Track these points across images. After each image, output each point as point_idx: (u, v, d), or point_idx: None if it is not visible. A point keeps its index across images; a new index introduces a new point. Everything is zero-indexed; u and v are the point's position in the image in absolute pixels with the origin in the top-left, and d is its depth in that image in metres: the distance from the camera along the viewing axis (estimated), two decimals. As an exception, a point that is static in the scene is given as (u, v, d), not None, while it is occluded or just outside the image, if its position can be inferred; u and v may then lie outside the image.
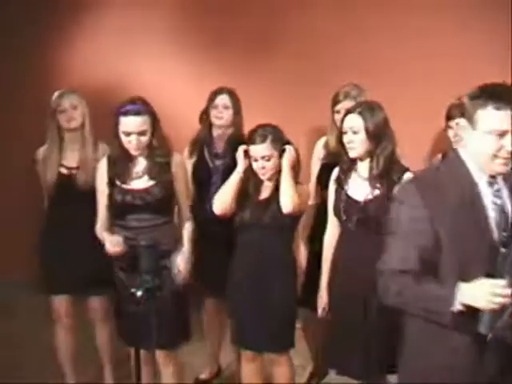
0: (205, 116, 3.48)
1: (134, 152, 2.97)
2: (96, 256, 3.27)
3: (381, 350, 2.71)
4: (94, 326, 3.50)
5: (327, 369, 3.30)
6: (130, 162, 3.00)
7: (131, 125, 2.91)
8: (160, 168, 3.00)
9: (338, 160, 3.30)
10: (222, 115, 3.42)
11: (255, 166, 2.95)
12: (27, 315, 4.36)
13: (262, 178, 2.97)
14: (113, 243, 2.93)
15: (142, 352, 2.87)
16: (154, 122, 2.98)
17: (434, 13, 4.23)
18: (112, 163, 3.02)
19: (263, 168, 2.93)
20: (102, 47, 4.88)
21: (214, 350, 3.71)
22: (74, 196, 3.27)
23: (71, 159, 3.32)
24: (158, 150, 3.00)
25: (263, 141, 2.91)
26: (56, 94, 3.37)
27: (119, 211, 3.01)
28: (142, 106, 2.96)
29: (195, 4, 4.73)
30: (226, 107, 3.42)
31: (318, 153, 3.46)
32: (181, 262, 3.02)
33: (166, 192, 3.00)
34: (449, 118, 3.12)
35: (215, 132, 3.49)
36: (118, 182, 2.99)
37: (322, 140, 3.48)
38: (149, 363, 3.12)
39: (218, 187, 3.25)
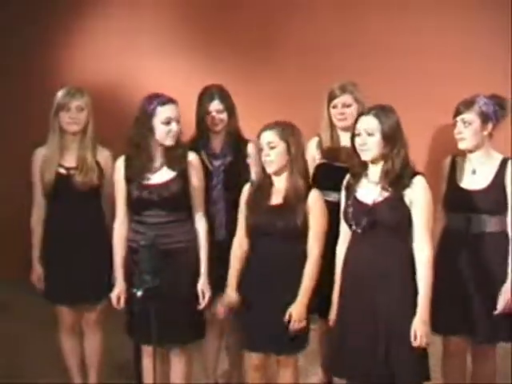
0: (201, 123, 3.38)
1: (169, 142, 2.98)
2: (96, 258, 3.28)
3: (391, 357, 2.68)
4: (84, 335, 3.45)
5: (336, 377, 3.24)
6: (148, 159, 3.01)
7: (172, 111, 2.97)
8: (178, 158, 3.02)
9: (333, 158, 3.31)
10: (218, 121, 3.34)
11: (262, 157, 2.91)
12: (27, 315, 4.34)
13: (268, 170, 2.91)
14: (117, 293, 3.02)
15: (146, 353, 2.92)
16: None
17: (433, 13, 4.22)
18: (130, 160, 3.03)
19: (268, 156, 2.88)
20: (101, 47, 4.87)
21: (212, 362, 3.60)
22: (72, 196, 3.24)
23: (70, 159, 3.28)
24: (178, 141, 3.03)
25: (271, 128, 2.89)
26: (62, 91, 3.28)
27: (135, 207, 3.03)
28: (171, 98, 3.02)
29: (196, 3, 4.72)
30: (219, 111, 3.33)
31: (312, 153, 3.39)
32: (203, 288, 3.04)
33: (182, 187, 3.01)
34: (455, 114, 3.02)
35: (211, 133, 3.39)
36: (135, 177, 3.01)
37: (315, 140, 3.42)
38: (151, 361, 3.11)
39: (220, 190, 3.25)
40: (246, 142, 3.38)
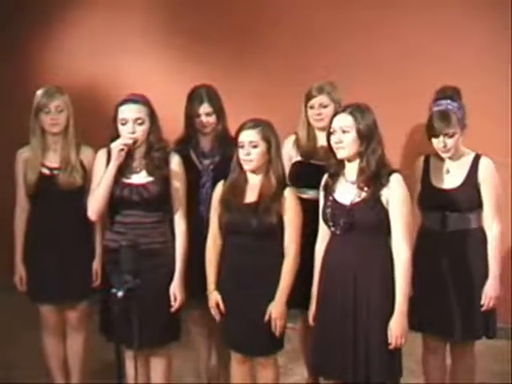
0: (190, 125, 3.38)
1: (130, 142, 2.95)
2: (79, 257, 3.30)
3: (369, 353, 2.69)
4: (66, 336, 3.46)
5: (319, 376, 3.25)
6: (128, 158, 2.98)
7: (127, 111, 2.93)
8: (157, 163, 2.99)
9: (310, 156, 3.32)
10: (207, 124, 3.34)
11: (241, 154, 2.90)
12: (12, 316, 4.40)
13: (245, 167, 2.91)
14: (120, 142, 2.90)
15: (127, 354, 2.95)
16: (152, 116, 3.00)
17: (432, 11, 4.22)
18: (111, 156, 3.00)
19: (248, 155, 2.88)
20: (86, 46, 4.89)
21: (203, 361, 3.62)
22: (55, 196, 3.25)
23: (53, 159, 3.28)
24: (156, 144, 3.00)
25: (253, 127, 2.89)
26: (41, 91, 3.27)
27: (116, 206, 3.01)
28: (140, 97, 2.99)
29: (182, 3, 4.74)
30: (208, 114, 3.33)
31: (288, 152, 3.39)
32: (175, 291, 3.02)
33: (162, 189, 3.00)
34: (434, 132, 3.01)
35: (199, 134, 3.40)
36: (116, 175, 2.97)
37: (292, 138, 3.42)
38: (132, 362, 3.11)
39: (209, 188, 3.24)
40: (234, 142, 3.38)
